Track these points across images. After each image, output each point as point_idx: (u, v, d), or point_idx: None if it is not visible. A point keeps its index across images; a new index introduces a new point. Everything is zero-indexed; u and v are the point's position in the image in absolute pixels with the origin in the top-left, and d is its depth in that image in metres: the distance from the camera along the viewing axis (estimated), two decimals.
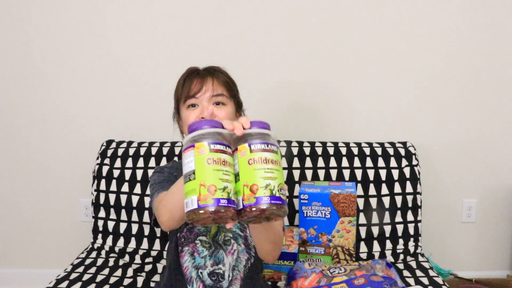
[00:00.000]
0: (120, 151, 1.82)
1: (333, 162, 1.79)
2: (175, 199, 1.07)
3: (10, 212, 2.18)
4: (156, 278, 1.65)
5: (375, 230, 1.75)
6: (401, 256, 1.74)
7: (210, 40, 2.02)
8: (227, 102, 1.27)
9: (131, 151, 1.82)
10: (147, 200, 1.75)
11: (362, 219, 1.74)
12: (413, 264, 1.71)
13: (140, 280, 1.61)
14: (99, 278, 1.58)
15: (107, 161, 1.81)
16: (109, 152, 1.83)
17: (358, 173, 1.77)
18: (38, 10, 2.01)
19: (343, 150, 1.82)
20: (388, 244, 1.75)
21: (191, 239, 1.30)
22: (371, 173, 1.78)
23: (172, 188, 1.12)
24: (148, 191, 1.65)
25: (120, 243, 1.77)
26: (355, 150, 1.82)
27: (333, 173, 1.78)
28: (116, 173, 1.79)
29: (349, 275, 1.41)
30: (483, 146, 2.12)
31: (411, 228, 1.77)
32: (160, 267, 1.71)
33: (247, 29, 2.02)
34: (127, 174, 1.78)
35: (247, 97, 2.03)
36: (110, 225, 1.79)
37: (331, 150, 1.82)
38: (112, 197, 1.78)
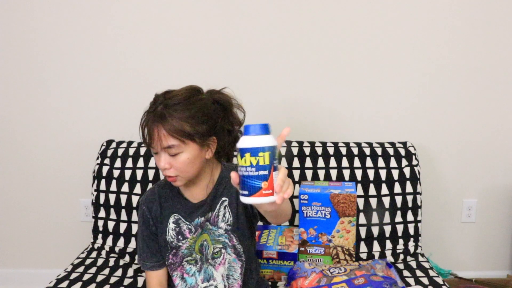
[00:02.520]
0: (120, 151, 1.82)
1: (333, 162, 1.79)
2: None
3: (10, 212, 2.18)
4: None
5: (375, 230, 1.75)
6: (401, 256, 1.74)
7: (211, 40, 2.02)
8: (182, 148, 1.19)
9: (131, 151, 1.82)
10: None
11: (362, 219, 1.75)
12: (413, 264, 1.71)
13: (140, 280, 1.61)
14: (100, 278, 1.59)
15: (107, 161, 1.81)
16: (109, 152, 1.83)
17: (358, 173, 1.78)
18: (38, 10, 2.01)
19: (343, 150, 1.82)
20: (388, 244, 1.75)
21: (178, 263, 1.33)
22: (371, 173, 1.78)
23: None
24: None
25: (120, 243, 1.77)
26: (355, 150, 1.82)
27: (333, 173, 1.78)
28: (116, 173, 1.79)
29: (349, 275, 1.41)
30: (483, 146, 2.12)
31: (411, 228, 1.78)
32: None
33: (248, 26, 2.02)
34: (127, 174, 1.78)
35: (247, 93, 2.04)
36: (110, 225, 1.79)
37: (331, 150, 1.82)
38: (112, 197, 1.78)
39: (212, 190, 1.31)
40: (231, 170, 1.31)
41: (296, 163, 1.79)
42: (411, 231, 1.78)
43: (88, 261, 1.70)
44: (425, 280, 1.57)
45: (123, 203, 1.76)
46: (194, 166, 1.22)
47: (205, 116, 1.21)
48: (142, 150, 1.82)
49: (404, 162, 1.81)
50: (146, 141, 1.21)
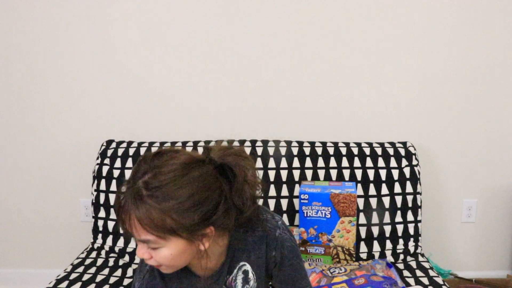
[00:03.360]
0: (120, 151, 1.82)
1: (333, 162, 1.79)
2: None
3: (10, 212, 2.18)
4: None
5: (375, 230, 1.75)
6: (401, 256, 1.74)
7: (211, 41, 2.02)
8: (161, 244, 0.92)
9: (131, 151, 1.82)
10: None
11: (362, 219, 1.75)
12: (413, 264, 1.71)
13: None
14: (99, 278, 1.59)
15: (107, 161, 1.81)
16: (109, 152, 1.83)
17: (358, 173, 1.77)
18: (38, 10, 2.01)
19: (343, 150, 1.82)
20: (388, 244, 1.75)
21: None
22: (371, 173, 1.78)
23: None
24: None
25: (120, 243, 1.77)
26: (355, 150, 1.82)
27: (333, 173, 1.78)
28: (116, 173, 1.79)
29: (349, 275, 1.41)
30: (483, 146, 2.12)
31: (411, 228, 1.78)
32: None
33: (248, 26, 2.02)
34: (127, 174, 1.78)
35: (246, 93, 2.04)
36: (110, 225, 1.79)
37: (331, 150, 1.82)
38: (112, 197, 1.78)
39: (226, 258, 1.07)
40: (241, 227, 1.06)
41: (296, 163, 1.79)
42: (411, 231, 1.78)
43: (87, 261, 1.70)
44: (425, 280, 1.57)
45: None
46: (181, 260, 0.97)
47: (199, 203, 0.91)
48: (142, 150, 1.82)
49: (404, 162, 1.81)
50: (120, 224, 0.94)
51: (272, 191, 1.75)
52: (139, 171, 0.92)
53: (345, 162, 1.79)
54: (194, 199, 0.90)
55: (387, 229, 1.75)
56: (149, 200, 0.88)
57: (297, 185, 1.76)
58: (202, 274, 1.06)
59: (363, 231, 1.74)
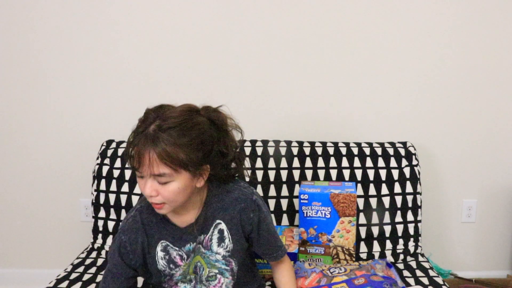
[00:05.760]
0: (120, 151, 1.83)
1: (333, 162, 1.79)
2: None
3: (10, 212, 2.18)
4: None
5: (375, 230, 1.75)
6: (401, 256, 1.75)
7: (212, 40, 2.02)
8: (173, 177, 1.09)
9: None
10: None
11: (362, 219, 1.75)
12: (413, 264, 1.71)
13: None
14: (100, 278, 1.58)
15: (107, 161, 1.81)
16: (109, 152, 1.83)
17: (358, 173, 1.78)
18: (39, 9, 2.01)
19: (343, 150, 1.82)
20: (388, 244, 1.75)
21: (173, 285, 1.28)
22: (371, 173, 1.78)
23: None
24: None
25: None
26: (355, 150, 1.83)
27: (333, 173, 1.78)
28: (116, 173, 1.79)
29: (349, 275, 1.42)
30: (483, 146, 2.12)
31: (411, 228, 1.78)
32: None
33: (250, 26, 2.02)
34: (127, 174, 1.78)
35: (247, 92, 2.04)
36: (110, 225, 1.79)
37: (331, 150, 1.82)
38: (112, 197, 1.78)
39: (201, 211, 1.23)
40: (218, 187, 1.25)
41: (296, 163, 1.79)
42: (411, 231, 1.78)
43: (88, 261, 1.70)
44: (425, 280, 1.58)
45: (123, 203, 1.77)
46: (183, 195, 1.13)
47: (201, 143, 1.11)
48: None
49: (404, 162, 1.81)
50: (132, 165, 1.08)
51: (272, 191, 1.75)
52: (148, 118, 1.10)
53: (345, 162, 1.79)
54: (199, 140, 1.10)
55: (387, 229, 1.76)
56: (166, 137, 1.05)
57: (297, 185, 1.76)
58: (180, 224, 1.23)
59: (363, 231, 1.74)
